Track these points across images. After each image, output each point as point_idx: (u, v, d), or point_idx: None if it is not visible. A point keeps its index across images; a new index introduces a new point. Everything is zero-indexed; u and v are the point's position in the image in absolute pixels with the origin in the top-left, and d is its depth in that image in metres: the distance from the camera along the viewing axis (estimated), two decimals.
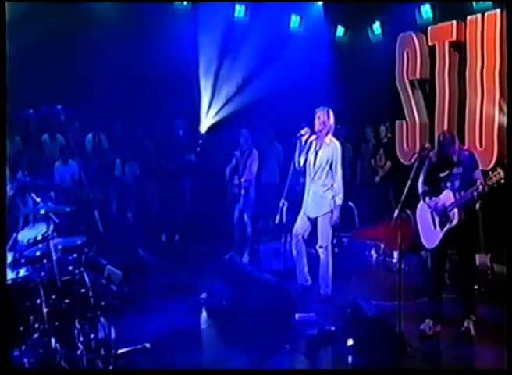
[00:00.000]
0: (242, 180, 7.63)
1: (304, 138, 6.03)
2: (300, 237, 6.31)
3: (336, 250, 7.32)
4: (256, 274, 5.92)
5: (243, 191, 7.59)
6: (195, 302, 6.30)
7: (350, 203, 7.95)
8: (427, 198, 5.48)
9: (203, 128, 10.08)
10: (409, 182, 5.04)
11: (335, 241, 7.33)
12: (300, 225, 6.30)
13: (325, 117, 5.93)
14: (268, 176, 8.85)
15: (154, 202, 9.23)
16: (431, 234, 5.47)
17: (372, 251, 8.19)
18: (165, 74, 9.15)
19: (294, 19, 10.59)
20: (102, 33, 8.79)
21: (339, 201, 5.99)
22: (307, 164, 6.12)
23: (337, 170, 5.96)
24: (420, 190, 5.46)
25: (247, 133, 7.82)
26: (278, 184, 7.40)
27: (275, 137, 9.16)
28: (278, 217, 5.92)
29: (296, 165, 6.04)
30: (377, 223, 7.94)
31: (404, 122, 8.70)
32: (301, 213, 6.29)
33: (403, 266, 5.83)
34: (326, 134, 5.98)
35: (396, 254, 7.47)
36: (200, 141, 9.57)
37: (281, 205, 5.89)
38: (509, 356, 4.00)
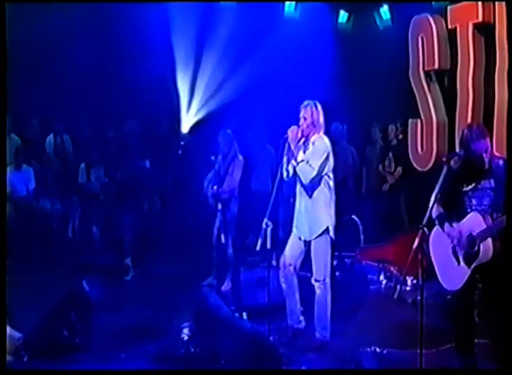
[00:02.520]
0: (220, 190, 6.78)
1: (291, 140, 5.13)
2: (290, 267, 5.30)
3: (337, 274, 6.95)
4: (229, 319, 4.68)
5: (220, 206, 6.70)
6: (158, 348, 5.23)
7: (354, 217, 7.49)
8: (446, 225, 4.31)
9: (184, 127, 9.43)
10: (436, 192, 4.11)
11: (335, 263, 6.82)
12: (291, 251, 5.33)
13: (313, 116, 5.15)
14: (259, 183, 8.14)
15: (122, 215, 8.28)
16: (453, 272, 4.33)
17: (381, 276, 7.30)
18: (138, 71, 8.87)
19: (289, 3, 9.86)
20: (70, 27, 8.69)
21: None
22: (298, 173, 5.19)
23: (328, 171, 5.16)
24: (434, 213, 4.35)
25: (229, 133, 6.98)
26: (270, 194, 6.12)
27: (268, 138, 8.53)
28: (259, 242, 4.95)
29: (285, 175, 5.17)
30: (386, 241, 7.43)
31: (418, 120, 7.77)
32: (292, 236, 5.34)
33: (418, 298, 4.92)
34: (314, 134, 5.17)
35: (410, 280, 6.69)
36: (182, 143, 9.10)
37: (264, 226, 4.95)
38: (509, 356, 3.72)
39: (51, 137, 9.01)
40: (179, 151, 9.00)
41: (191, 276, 7.17)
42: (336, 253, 6.96)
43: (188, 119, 9.43)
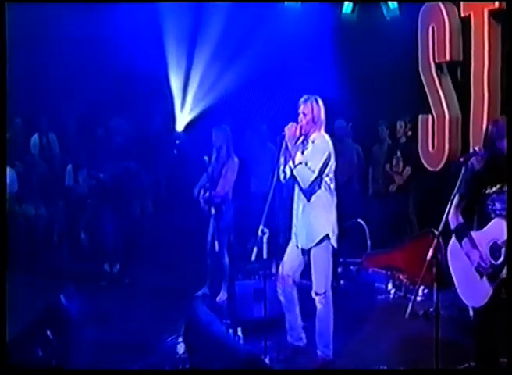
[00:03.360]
0: (213, 193, 6.53)
1: (289, 139, 4.87)
2: (289, 279, 4.99)
3: (342, 283, 6.97)
4: (220, 337, 4.28)
5: (213, 210, 6.42)
6: (144, 366, 4.95)
7: (360, 220, 7.37)
8: (465, 240, 4.00)
9: (179, 125, 9.20)
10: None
11: (339, 270, 6.99)
12: (289, 261, 5.03)
13: (313, 111, 4.92)
14: (259, 185, 7.88)
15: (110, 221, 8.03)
16: (475, 287, 4.01)
17: (389, 285, 7.02)
18: (129, 68, 8.78)
19: None
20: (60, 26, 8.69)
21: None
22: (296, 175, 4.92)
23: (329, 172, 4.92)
24: (452, 222, 4.06)
25: (225, 128, 6.70)
26: (271, 196, 6.05)
27: (269, 135, 8.32)
28: (255, 251, 4.64)
29: (282, 177, 4.94)
30: (395, 247, 7.24)
31: (429, 116, 7.43)
32: (290, 244, 5.06)
33: (431, 310, 5.26)
34: (314, 132, 4.94)
35: (421, 290, 6.39)
36: (177, 142, 8.87)
37: (259, 234, 4.66)
38: (509, 356, 3.76)
39: (36, 136, 8.78)
40: (174, 151, 8.80)
41: (184, 286, 6.99)
42: (340, 259, 7.02)
43: (183, 117, 9.21)
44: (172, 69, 8.93)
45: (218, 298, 6.63)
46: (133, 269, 7.66)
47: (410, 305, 5.39)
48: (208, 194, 6.47)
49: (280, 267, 5.06)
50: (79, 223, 8.16)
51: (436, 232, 5.62)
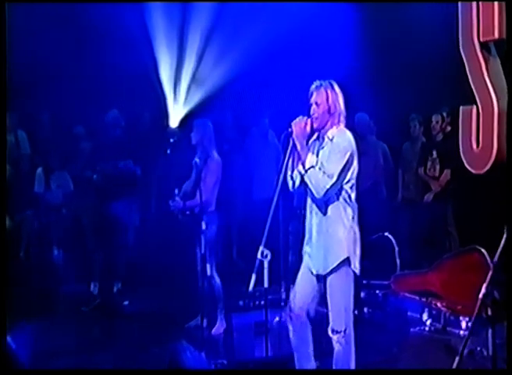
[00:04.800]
0: (188, 203, 6.39)
1: (297, 136, 4.67)
2: (301, 312, 4.68)
3: (365, 311, 6.91)
4: None
5: (204, 226, 6.03)
6: None
7: (388, 234, 7.15)
8: None
9: (173, 121, 9.10)
10: None
11: (362, 295, 6.88)
12: (302, 289, 4.72)
13: (329, 100, 4.68)
14: (262, 189, 7.82)
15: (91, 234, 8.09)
16: None
17: (424, 315, 6.78)
18: (114, 61, 8.83)
19: None
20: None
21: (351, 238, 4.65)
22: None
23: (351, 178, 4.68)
24: None
25: (204, 122, 6.66)
26: (276, 204, 5.86)
27: (273, 129, 8.42)
28: (253, 280, 4.32)
29: (290, 184, 4.74)
30: (431, 267, 6.95)
31: (473, 107, 6.49)
32: (302, 267, 4.78)
33: (478, 349, 5.26)
34: (332, 127, 4.71)
35: (465, 322, 6.26)
36: (171, 140, 8.43)
37: (259, 257, 4.33)
38: (509, 355, 3.87)
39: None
40: (168, 151, 8.29)
41: (174, 313, 6.99)
42: (363, 281, 6.82)
43: (177, 111, 9.13)
44: (162, 59, 9.05)
45: (213, 331, 6.41)
46: (115, 292, 7.64)
47: (459, 350, 4.85)
48: (179, 201, 6.34)
49: (291, 295, 4.81)
50: (51, 237, 8.18)
51: (483, 250, 5.90)
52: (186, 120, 8.92)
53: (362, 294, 6.94)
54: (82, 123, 8.79)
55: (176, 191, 6.48)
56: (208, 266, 6.23)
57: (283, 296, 6.32)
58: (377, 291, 7.11)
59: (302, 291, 4.71)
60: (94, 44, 8.97)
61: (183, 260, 7.04)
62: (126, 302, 7.48)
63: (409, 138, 8.63)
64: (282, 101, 8.57)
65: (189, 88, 8.99)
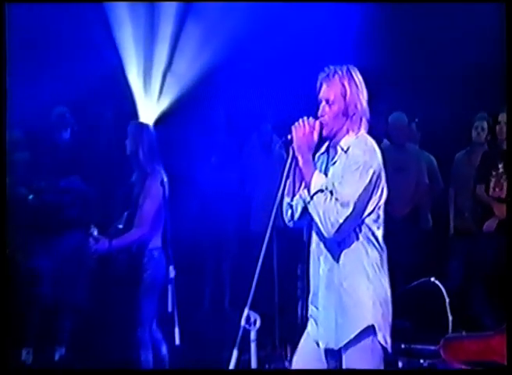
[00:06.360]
0: (114, 241, 6.07)
1: (298, 147, 4.24)
2: None
3: None
4: None
5: (173, 273, 5.82)
6: None
7: (434, 280, 6.46)
8: None
9: (147, 116, 8.36)
10: None
11: (400, 364, 6.37)
12: (305, 367, 4.41)
13: (347, 96, 4.15)
14: (263, 216, 7.27)
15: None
16: None
17: None
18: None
19: None
20: None
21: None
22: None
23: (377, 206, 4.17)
24: None
25: (139, 125, 6.48)
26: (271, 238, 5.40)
27: (277, 136, 8.07)
28: (234, 357, 3.88)
29: (288, 215, 4.28)
30: (497, 329, 6.12)
31: None
32: (304, 339, 4.30)
33: None
34: (348, 133, 4.21)
35: None
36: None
37: (243, 323, 3.93)
38: (509, 356, 4.33)
39: None
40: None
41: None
42: (402, 346, 6.27)
43: (149, 109, 8.42)
44: (127, 51, 8.56)
45: None
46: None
47: None
48: (96, 236, 5.91)
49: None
50: None
51: None
52: (162, 120, 8.27)
53: (400, 364, 6.31)
54: (19, 126, 8.28)
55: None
56: (146, 319, 5.91)
57: (289, 365, 5.88)
58: (421, 361, 6.40)
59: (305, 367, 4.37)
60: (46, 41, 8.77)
61: (122, 311, 6.55)
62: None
63: (465, 146, 8.02)
64: (289, 100, 8.23)
65: (164, 79, 8.37)
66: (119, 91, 8.81)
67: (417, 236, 7.43)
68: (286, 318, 6.32)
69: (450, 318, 6.33)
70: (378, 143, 4.49)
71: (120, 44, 8.69)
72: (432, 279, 6.42)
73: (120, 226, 6.08)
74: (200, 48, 8.68)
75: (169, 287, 5.83)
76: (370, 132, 4.19)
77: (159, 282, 5.98)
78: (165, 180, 5.94)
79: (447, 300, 6.33)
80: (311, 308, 4.23)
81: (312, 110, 4.17)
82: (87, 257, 7.51)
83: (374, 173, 3.99)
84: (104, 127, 9.08)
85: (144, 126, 6.42)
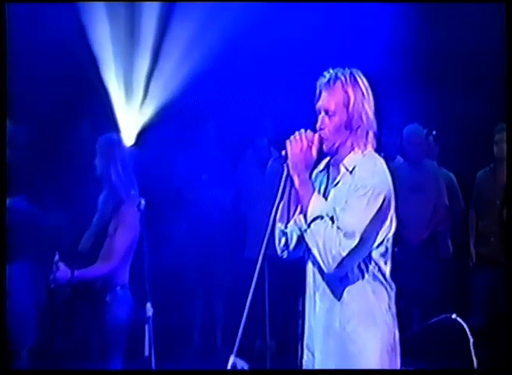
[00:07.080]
0: (77, 273, 5.65)
1: (294, 166, 3.94)
2: None
3: None
4: None
5: (150, 312, 5.48)
6: None
7: (456, 317, 6.11)
8: None
9: (128, 127, 8.25)
10: None
11: None
12: None
13: (351, 105, 3.85)
14: (260, 240, 6.78)
15: None
16: None
17: None
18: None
19: None
20: None
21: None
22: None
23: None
24: None
25: (109, 138, 5.91)
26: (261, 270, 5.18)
27: (276, 151, 7.98)
28: None
29: (281, 244, 3.96)
30: None
31: None
32: None
33: None
34: (353, 150, 3.93)
35: None
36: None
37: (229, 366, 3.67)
38: (509, 356, 4.64)
39: None
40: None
41: None
42: None
43: (131, 120, 8.21)
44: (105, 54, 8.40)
45: None
46: None
47: None
48: (68, 273, 5.43)
49: None
50: None
51: None
52: (146, 131, 8.05)
53: None
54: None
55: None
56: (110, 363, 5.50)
57: None
58: None
59: None
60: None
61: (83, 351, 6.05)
62: None
63: (492, 160, 7.57)
64: (289, 110, 7.98)
65: (147, 86, 8.11)
66: (95, 97, 8.48)
67: (435, 265, 7.21)
68: (278, 365, 6.09)
69: (475, 360, 5.83)
70: (391, 160, 4.18)
71: (97, 46, 8.35)
72: (454, 315, 6.01)
73: (83, 255, 5.71)
74: (187, 51, 8.44)
75: (146, 328, 5.33)
76: (379, 148, 3.92)
77: (121, 320, 5.60)
78: (143, 203, 5.47)
79: (471, 340, 5.91)
80: (306, 353, 3.93)
81: (316, 121, 3.92)
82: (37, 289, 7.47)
83: (384, 199, 3.72)
84: (78, 140, 8.61)
85: (115, 141, 5.92)
